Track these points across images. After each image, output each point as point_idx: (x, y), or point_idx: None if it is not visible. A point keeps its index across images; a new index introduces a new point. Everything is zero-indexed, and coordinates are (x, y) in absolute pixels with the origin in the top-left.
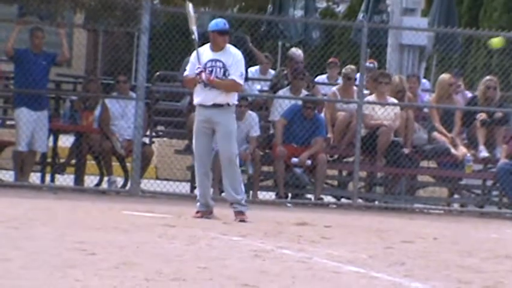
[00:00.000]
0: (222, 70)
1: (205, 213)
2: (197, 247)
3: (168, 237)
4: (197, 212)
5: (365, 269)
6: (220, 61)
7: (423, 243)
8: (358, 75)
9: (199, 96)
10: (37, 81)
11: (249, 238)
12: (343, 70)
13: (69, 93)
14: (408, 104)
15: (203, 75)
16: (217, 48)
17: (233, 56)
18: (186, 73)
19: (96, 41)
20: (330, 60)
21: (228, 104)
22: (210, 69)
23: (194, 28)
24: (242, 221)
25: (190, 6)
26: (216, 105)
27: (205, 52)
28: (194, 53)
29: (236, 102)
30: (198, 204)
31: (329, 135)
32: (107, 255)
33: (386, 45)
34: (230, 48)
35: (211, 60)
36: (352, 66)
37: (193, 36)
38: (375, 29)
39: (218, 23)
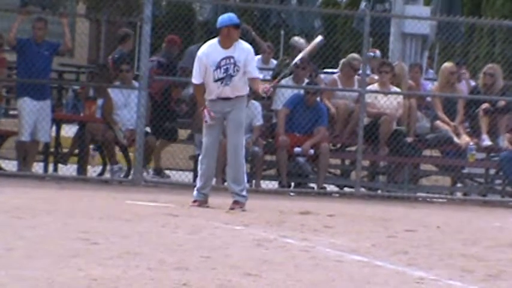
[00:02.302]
0: (233, 66)
1: (202, 202)
2: (200, 236)
3: (171, 227)
4: (194, 201)
5: (368, 258)
6: (232, 57)
7: (426, 232)
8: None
9: (215, 92)
10: (40, 71)
11: (251, 227)
12: (346, 58)
13: (72, 83)
14: (410, 92)
15: (263, 93)
16: (228, 43)
17: (246, 52)
18: (195, 81)
19: (99, 31)
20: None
21: (241, 96)
22: (224, 67)
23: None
24: (232, 209)
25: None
26: (228, 98)
27: (216, 50)
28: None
29: (247, 92)
30: (196, 193)
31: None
32: (110, 244)
33: (389, 34)
34: (240, 43)
35: (225, 58)
36: (357, 55)
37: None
38: (378, 17)
39: (231, 17)
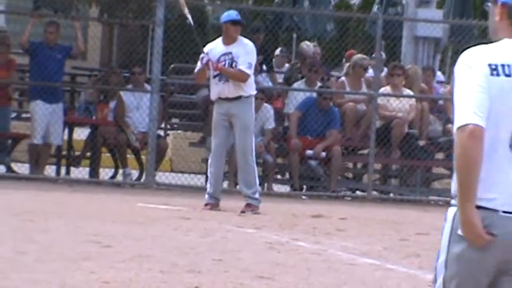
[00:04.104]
0: (231, 62)
1: (214, 205)
2: (212, 239)
3: (183, 230)
4: (206, 205)
5: (380, 261)
6: (231, 53)
7: (438, 235)
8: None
9: (215, 90)
10: (52, 74)
11: (264, 230)
12: (354, 59)
13: (84, 86)
14: (423, 95)
15: (210, 64)
16: (229, 40)
17: (243, 46)
18: (196, 69)
19: (111, 34)
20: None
21: (245, 96)
22: (223, 63)
23: (186, 11)
24: (243, 212)
25: None
26: (233, 98)
27: (218, 46)
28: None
29: (253, 93)
30: (207, 196)
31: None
32: (122, 247)
33: (401, 38)
34: (242, 40)
35: (224, 54)
36: (365, 56)
37: (187, 21)
38: (390, 21)
39: (230, 13)
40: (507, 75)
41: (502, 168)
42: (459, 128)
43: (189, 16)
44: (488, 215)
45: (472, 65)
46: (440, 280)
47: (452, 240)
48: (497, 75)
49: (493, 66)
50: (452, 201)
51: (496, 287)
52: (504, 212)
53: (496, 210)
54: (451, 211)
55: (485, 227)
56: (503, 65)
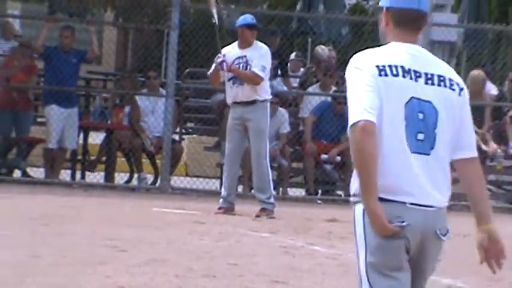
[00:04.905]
0: (245, 65)
1: (228, 209)
2: (227, 244)
3: (198, 234)
4: (219, 208)
5: None
6: (245, 56)
7: (453, 240)
8: None
9: (230, 94)
10: (67, 78)
11: (278, 235)
12: None
13: (99, 91)
14: None
15: (224, 65)
16: (244, 44)
17: (258, 50)
18: (209, 72)
19: (126, 39)
20: None
21: (260, 101)
22: (237, 66)
23: (214, 11)
24: (258, 216)
25: None
26: (248, 103)
27: (233, 50)
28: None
29: (269, 98)
30: (221, 200)
31: None
32: (137, 251)
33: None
34: (258, 43)
35: (238, 58)
36: None
37: (213, 20)
38: None
39: (246, 17)
40: (394, 75)
41: (403, 163)
42: (352, 125)
43: (215, 15)
44: (398, 207)
45: (361, 67)
46: (364, 273)
47: (368, 234)
48: (385, 75)
49: (381, 67)
50: (355, 199)
51: (418, 257)
52: (411, 204)
53: (403, 203)
54: (359, 208)
55: (397, 217)
56: (390, 66)
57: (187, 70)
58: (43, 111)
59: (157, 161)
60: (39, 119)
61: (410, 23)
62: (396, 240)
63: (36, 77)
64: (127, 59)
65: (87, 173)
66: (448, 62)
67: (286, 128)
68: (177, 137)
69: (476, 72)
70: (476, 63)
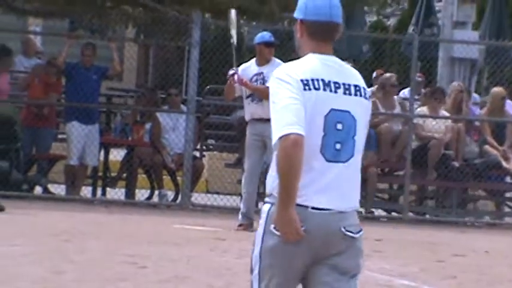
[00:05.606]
0: (262, 82)
1: (247, 226)
2: (248, 260)
3: (219, 251)
4: (240, 225)
5: (417, 283)
6: (262, 73)
7: (475, 257)
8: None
9: (248, 111)
10: (88, 95)
11: None
12: (382, 79)
13: (120, 107)
14: (459, 117)
15: (235, 77)
16: (263, 61)
17: (276, 66)
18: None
19: (147, 55)
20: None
21: None
22: (254, 83)
23: (234, 32)
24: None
25: (233, 12)
26: (267, 120)
27: (251, 66)
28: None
29: None
30: (241, 216)
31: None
32: (158, 268)
33: (437, 59)
34: (276, 60)
35: (256, 74)
36: (392, 74)
37: (231, 40)
38: (426, 42)
39: (264, 35)
40: (316, 89)
41: (317, 171)
42: (282, 137)
43: (235, 36)
44: (300, 211)
45: (288, 80)
46: (256, 271)
47: (266, 234)
48: (309, 89)
49: (305, 82)
50: (267, 199)
51: (309, 275)
52: (313, 208)
53: (306, 207)
54: (266, 207)
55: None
56: (313, 80)
57: (208, 87)
58: (64, 127)
59: (178, 178)
60: (60, 136)
61: (323, 35)
62: (295, 246)
63: (57, 95)
64: (148, 76)
65: (108, 190)
66: (469, 79)
67: None
68: (197, 154)
69: (497, 89)
70: (498, 80)
